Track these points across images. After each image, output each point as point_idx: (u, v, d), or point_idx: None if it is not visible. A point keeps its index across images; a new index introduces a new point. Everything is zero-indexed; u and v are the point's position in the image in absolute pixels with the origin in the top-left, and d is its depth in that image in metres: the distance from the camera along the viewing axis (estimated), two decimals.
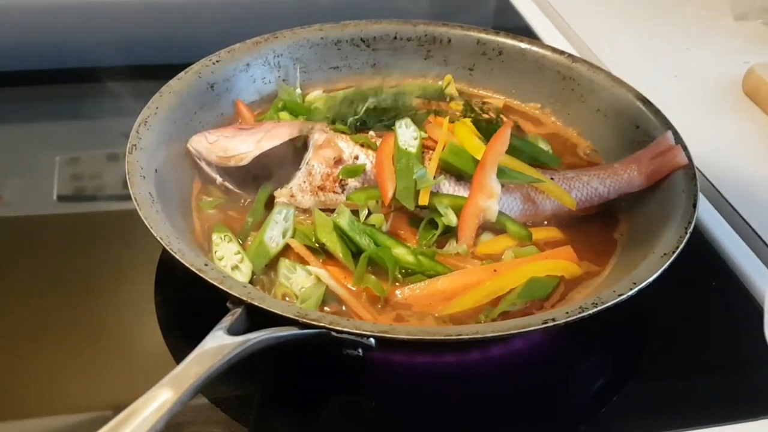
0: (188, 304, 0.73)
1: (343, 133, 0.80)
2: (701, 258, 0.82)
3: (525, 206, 0.78)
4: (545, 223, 0.79)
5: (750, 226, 0.85)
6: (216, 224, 0.75)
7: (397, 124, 0.78)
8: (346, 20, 0.97)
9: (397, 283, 0.71)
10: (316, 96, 0.92)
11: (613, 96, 0.88)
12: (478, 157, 0.75)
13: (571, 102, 0.92)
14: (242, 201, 0.80)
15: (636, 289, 0.64)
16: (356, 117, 0.80)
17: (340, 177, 0.76)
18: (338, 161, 0.77)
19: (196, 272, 0.63)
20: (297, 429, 0.65)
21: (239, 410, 0.65)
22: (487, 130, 0.78)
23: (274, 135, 0.78)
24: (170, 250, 0.64)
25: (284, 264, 0.71)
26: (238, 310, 0.61)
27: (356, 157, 0.77)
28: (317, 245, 0.73)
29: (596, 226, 0.80)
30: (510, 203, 0.77)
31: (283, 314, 0.60)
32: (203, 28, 1.16)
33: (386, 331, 0.59)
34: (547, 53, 0.94)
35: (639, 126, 0.85)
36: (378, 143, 0.78)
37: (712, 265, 0.81)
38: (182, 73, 0.86)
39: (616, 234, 0.79)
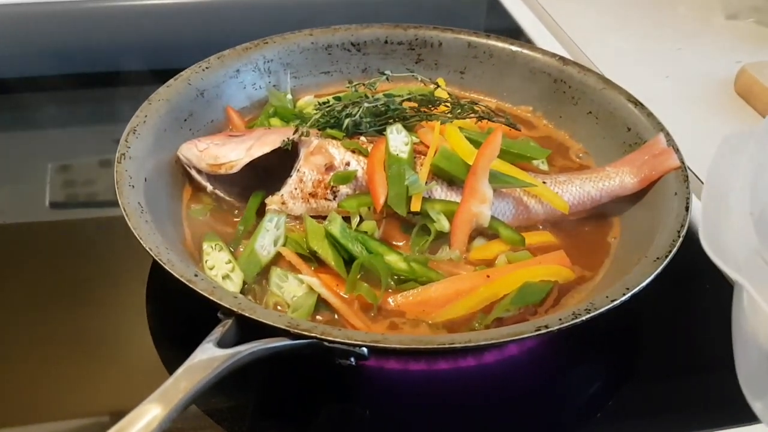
0: (180, 312, 0.73)
1: (335, 138, 0.79)
2: (694, 260, 0.81)
3: (517, 211, 0.78)
4: (539, 227, 0.79)
5: None
6: (207, 233, 0.75)
7: (388, 129, 0.78)
8: (336, 25, 0.96)
9: (389, 291, 0.70)
10: (306, 101, 0.92)
11: (605, 98, 0.88)
12: (470, 162, 0.75)
13: (562, 104, 0.92)
14: (233, 209, 0.79)
15: (629, 294, 0.64)
16: (353, 118, 0.79)
17: (332, 184, 0.76)
18: (329, 168, 0.77)
19: (186, 283, 0.62)
20: None
21: (232, 421, 0.64)
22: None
23: (265, 142, 0.78)
24: (160, 261, 0.64)
25: (276, 273, 0.71)
26: (229, 321, 0.60)
27: (347, 164, 0.77)
28: (309, 253, 0.73)
29: (589, 230, 0.80)
30: (502, 208, 0.77)
31: (274, 325, 0.59)
32: (193, 35, 1.16)
33: (378, 341, 0.59)
34: (538, 56, 0.94)
35: (630, 128, 0.85)
36: (369, 149, 0.78)
37: (706, 268, 0.81)
38: (171, 80, 0.85)
39: (609, 238, 0.79)
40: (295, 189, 0.76)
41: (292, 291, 0.69)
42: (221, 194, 0.79)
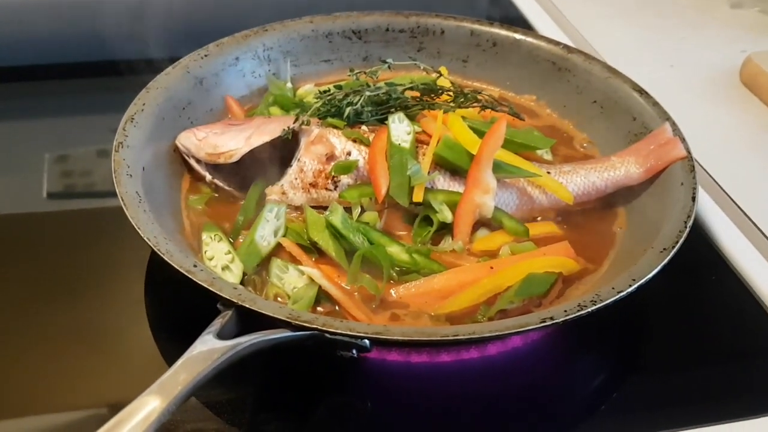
0: (179, 303, 0.72)
1: (336, 127, 0.78)
2: (700, 251, 0.81)
3: (521, 201, 0.77)
4: (539, 218, 0.78)
5: (749, 219, 0.84)
6: (206, 223, 0.74)
7: (390, 119, 0.77)
8: (337, 12, 0.95)
9: (391, 282, 0.69)
10: (307, 90, 0.91)
11: (610, 87, 0.87)
12: (474, 152, 0.74)
13: (566, 93, 0.91)
14: (233, 199, 0.78)
15: (635, 285, 0.63)
16: (354, 107, 0.78)
17: (333, 174, 0.75)
18: (330, 157, 0.75)
19: (185, 274, 0.61)
20: (291, 431, 0.64)
21: (232, 413, 0.64)
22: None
23: (265, 131, 0.77)
24: (158, 251, 0.63)
25: (276, 263, 0.70)
26: (229, 312, 0.59)
27: (348, 153, 0.76)
28: (310, 244, 0.72)
29: (594, 221, 0.79)
30: (506, 198, 0.76)
31: (275, 316, 0.58)
32: (191, 22, 1.14)
33: (381, 333, 0.58)
34: (542, 44, 0.93)
35: (636, 117, 0.84)
36: (371, 138, 0.77)
37: (712, 259, 0.80)
38: (170, 68, 0.84)
39: (614, 228, 0.78)
40: (296, 179, 0.75)
41: (293, 282, 0.68)
42: (220, 184, 0.78)
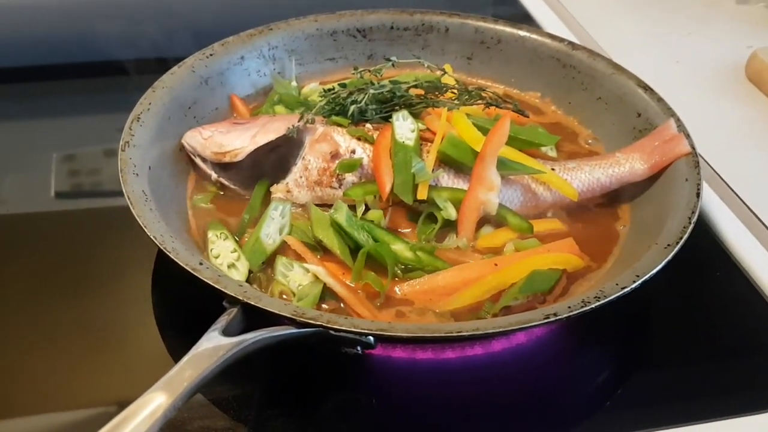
0: (186, 300, 0.72)
1: (340, 125, 0.78)
2: (705, 247, 0.80)
3: (525, 198, 0.77)
4: (547, 214, 0.78)
5: (755, 214, 0.83)
6: (211, 221, 0.74)
7: (394, 116, 0.77)
8: (341, 10, 0.95)
9: (396, 279, 0.70)
10: (312, 89, 0.91)
11: (614, 83, 0.87)
12: (478, 149, 0.74)
13: (571, 90, 0.90)
14: (238, 197, 0.79)
15: (639, 281, 0.63)
16: (358, 105, 0.78)
17: (337, 172, 0.75)
18: (335, 155, 0.76)
19: (191, 272, 0.62)
20: (297, 427, 0.64)
21: (238, 409, 0.64)
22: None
23: (270, 129, 0.77)
24: (164, 250, 0.64)
25: (281, 261, 0.70)
26: (234, 310, 0.60)
27: (353, 151, 0.76)
28: (314, 242, 0.72)
29: (598, 217, 0.79)
30: (510, 195, 0.76)
31: (280, 313, 0.59)
32: (197, 22, 1.15)
33: (385, 329, 0.59)
34: (547, 41, 0.93)
35: (641, 114, 0.84)
36: (375, 136, 0.77)
37: (716, 255, 0.80)
38: (175, 68, 0.85)
39: (619, 225, 0.78)
40: (300, 177, 0.76)
41: (298, 280, 0.69)
42: (226, 182, 0.79)
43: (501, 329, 0.59)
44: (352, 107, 0.79)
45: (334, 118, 0.79)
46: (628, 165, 0.79)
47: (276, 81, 0.91)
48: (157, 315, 0.72)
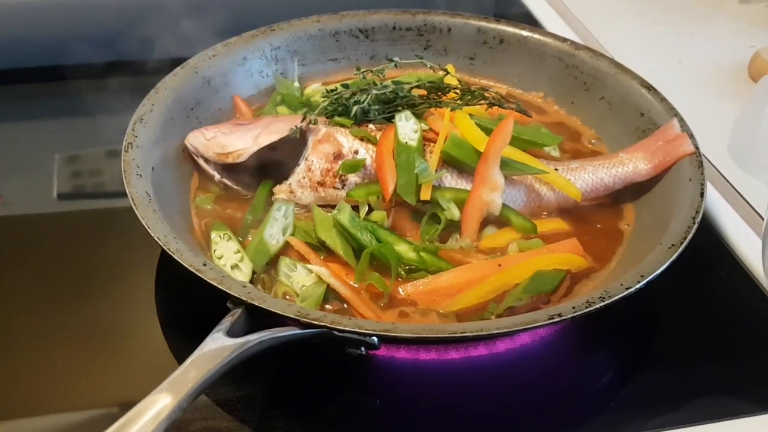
0: (189, 302, 0.72)
1: (343, 126, 0.78)
2: (709, 247, 0.80)
3: (529, 198, 0.77)
4: (544, 214, 0.78)
5: (758, 214, 0.83)
6: (215, 222, 0.74)
7: (397, 117, 0.77)
8: (343, 11, 0.95)
9: (399, 280, 0.70)
10: (314, 89, 0.91)
11: (617, 83, 0.87)
12: (481, 149, 0.74)
13: (574, 90, 0.90)
14: (241, 198, 0.78)
15: (644, 282, 0.63)
16: (361, 106, 0.78)
17: (340, 172, 0.75)
18: (338, 156, 0.76)
19: (195, 272, 0.62)
20: (301, 428, 0.64)
21: (242, 411, 0.64)
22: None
23: (272, 130, 0.77)
24: (168, 251, 0.64)
25: (284, 262, 0.70)
26: (238, 311, 0.60)
27: (356, 152, 0.76)
28: (318, 242, 0.72)
29: (602, 217, 0.79)
30: (514, 195, 0.76)
31: (284, 314, 0.59)
32: (199, 22, 1.15)
33: (389, 330, 0.59)
34: (549, 41, 0.92)
35: (644, 113, 0.84)
36: (378, 137, 0.77)
37: (720, 255, 0.80)
38: (178, 69, 0.85)
39: (622, 225, 0.78)
40: (304, 178, 0.75)
41: (301, 280, 0.69)
42: (229, 183, 0.79)
43: (505, 330, 0.59)
44: (355, 108, 0.79)
45: (336, 118, 0.79)
46: (631, 165, 0.79)
47: (278, 81, 0.91)
48: (161, 315, 0.72)
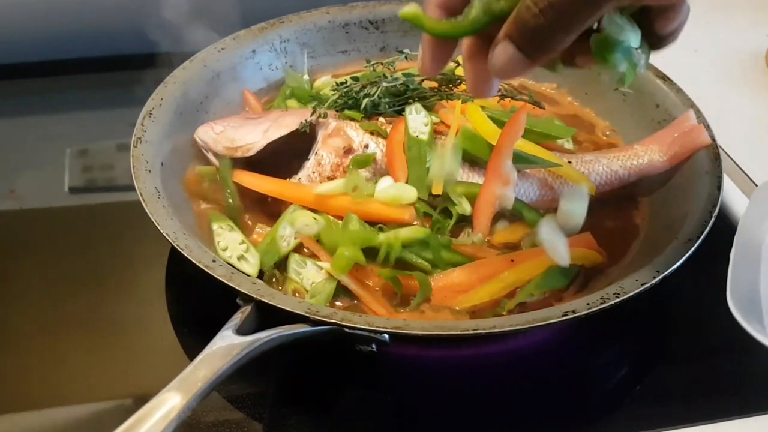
0: (200, 296, 0.72)
1: (353, 119, 0.78)
2: (726, 241, 0.79)
3: (542, 192, 0.76)
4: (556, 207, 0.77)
5: None
6: (213, 213, 0.72)
7: (407, 110, 0.76)
8: (353, 2, 0.94)
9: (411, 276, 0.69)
10: (324, 82, 0.90)
11: None
12: (493, 142, 0.73)
13: (587, 81, 0.89)
14: (251, 192, 0.78)
15: (659, 277, 0.62)
16: (371, 99, 0.77)
17: (351, 167, 0.74)
18: (348, 150, 0.75)
19: (204, 269, 0.61)
20: (311, 425, 0.64)
21: (252, 407, 0.64)
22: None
23: (282, 124, 0.76)
24: (177, 247, 0.63)
25: (294, 259, 0.69)
26: (248, 308, 0.59)
27: (366, 146, 0.75)
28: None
29: (616, 211, 0.77)
30: (526, 189, 0.75)
31: (294, 311, 0.58)
32: (207, 16, 1.14)
33: (400, 327, 0.58)
34: None
35: (659, 105, 0.82)
36: (388, 130, 0.76)
37: None
38: (187, 62, 0.84)
39: (638, 219, 0.77)
40: (313, 172, 0.75)
41: (311, 277, 0.68)
42: None
43: (518, 327, 0.58)
44: (365, 101, 0.78)
45: (347, 112, 0.78)
46: (646, 157, 0.77)
47: (288, 74, 0.90)
48: (171, 311, 0.72)
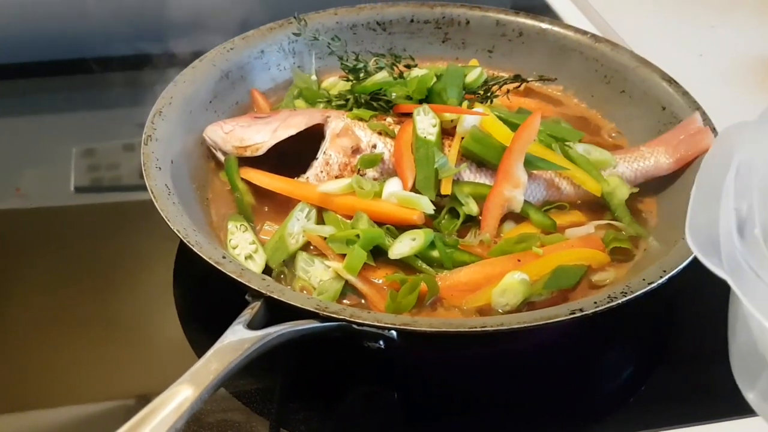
0: (208, 294, 0.73)
1: (362, 119, 0.78)
2: None
3: (549, 193, 0.76)
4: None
5: None
6: (232, 214, 0.74)
7: (415, 111, 0.76)
8: (361, 3, 0.95)
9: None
10: (331, 82, 0.91)
11: (638, 76, 0.86)
12: (506, 144, 0.73)
13: (594, 83, 0.89)
14: (259, 191, 0.78)
15: (666, 276, 0.62)
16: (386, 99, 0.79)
17: (358, 167, 0.75)
18: (356, 150, 0.75)
19: (215, 265, 0.62)
20: (319, 421, 0.64)
21: (260, 403, 0.64)
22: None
23: (290, 124, 0.77)
24: (188, 243, 0.64)
25: (302, 257, 0.70)
26: (258, 304, 0.60)
27: (374, 146, 0.76)
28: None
29: None
30: (534, 190, 0.76)
31: (303, 307, 0.59)
32: (216, 16, 1.15)
33: (408, 324, 0.58)
34: (569, 33, 0.91)
35: (665, 107, 0.83)
36: (396, 130, 0.76)
37: None
38: (196, 62, 0.85)
39: (644, 219, 0.77)
40: (321, 172, 0.75)
41: (319, 275, 0.68)
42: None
43: (526, 325, 0.59)
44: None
45: (355, 111, 0.79)
46: (653, 159, 0.78)
47: (296, 75, 0.90)
48: (179, 308, 0.73)
